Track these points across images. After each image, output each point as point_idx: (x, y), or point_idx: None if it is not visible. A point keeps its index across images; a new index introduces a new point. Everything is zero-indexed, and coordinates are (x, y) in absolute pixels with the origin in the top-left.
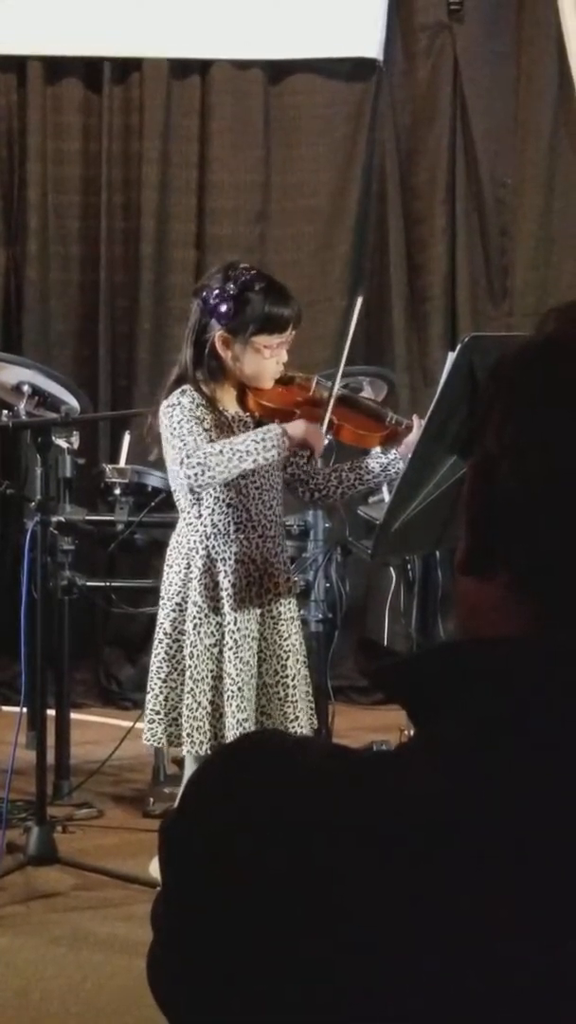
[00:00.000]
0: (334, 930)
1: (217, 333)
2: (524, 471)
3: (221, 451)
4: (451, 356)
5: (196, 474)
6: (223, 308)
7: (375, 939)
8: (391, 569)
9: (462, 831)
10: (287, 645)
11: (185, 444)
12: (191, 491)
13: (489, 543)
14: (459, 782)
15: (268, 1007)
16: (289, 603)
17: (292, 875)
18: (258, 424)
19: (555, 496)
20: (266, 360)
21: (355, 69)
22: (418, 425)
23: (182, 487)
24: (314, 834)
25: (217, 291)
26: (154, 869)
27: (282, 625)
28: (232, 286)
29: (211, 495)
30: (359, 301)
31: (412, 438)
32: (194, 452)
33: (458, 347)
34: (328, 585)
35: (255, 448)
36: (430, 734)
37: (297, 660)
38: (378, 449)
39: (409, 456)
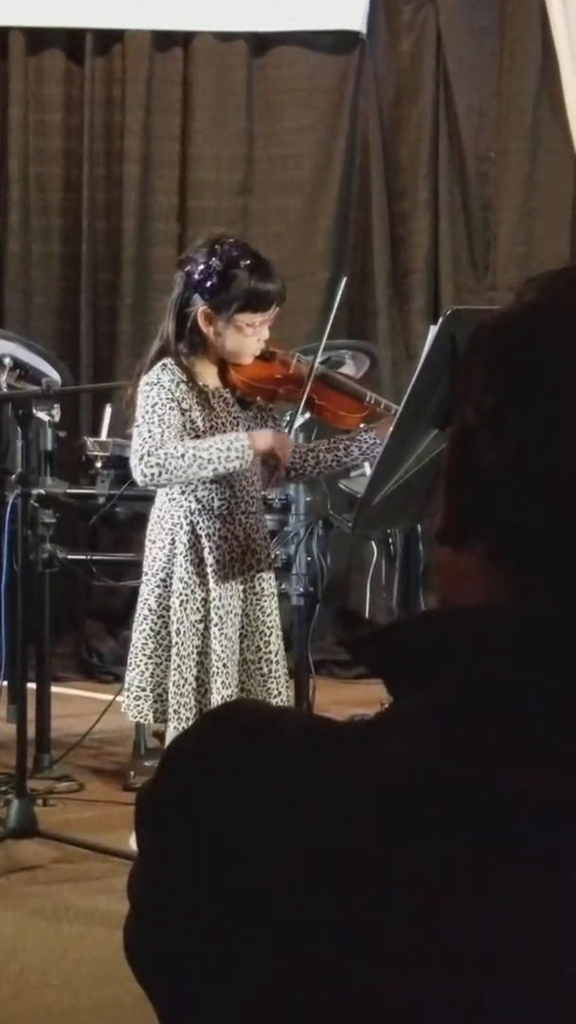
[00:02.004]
0: (309, 898)
1: (200, 308)
2: (502, 441)
3: (183, 455)
4: (433, 330)
5: (153, 474)
6: (207, 284)
7: (351, 908)
8: (373, 543)
9: (438, 800)
10: (269, 621)
11: (152, 436)
12: (143, 487)
13: (467, 513)
14: (436, 751)
15: (244, 976)
16: (270, 579)
17: (267, 844)
18: (239, 400)
19: (533, 466)
20: (247, 338)
21: (338, 41)
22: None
23: (137, 480)
24: (290, 803)
25: (202, 266)
26: (134, 842)
27: (264, 601)
28: (217, 262)
29: None
30: (342, 283)
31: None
32: (156, 450)
33: (440, 321)
34: (309, 559)
35: (218, 457)
36: (407, 704)
37: (277, 636)
38: (363, 426)
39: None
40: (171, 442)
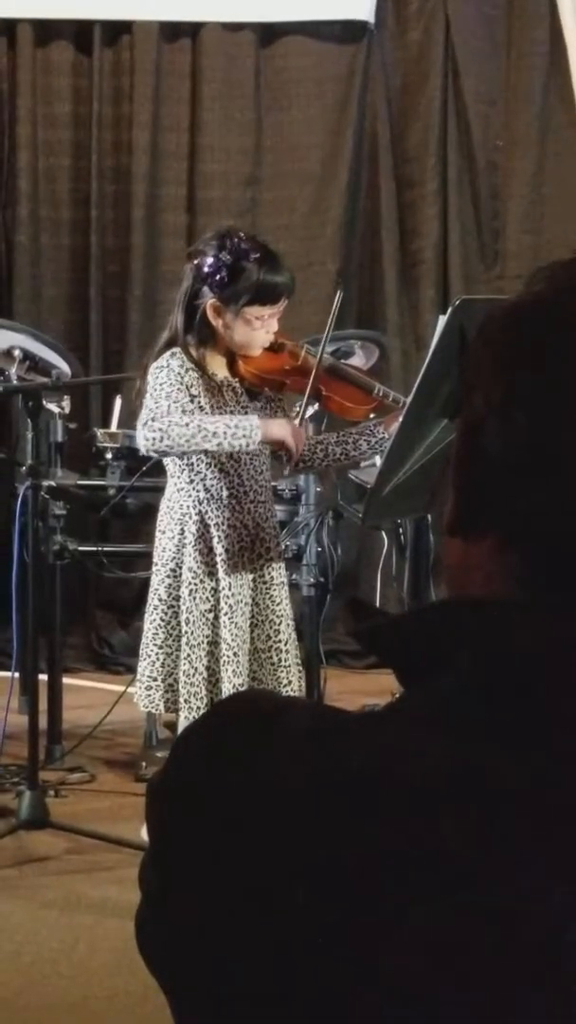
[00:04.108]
0: (318, 887)
1: (209, 301)
2: (511, 431)
3: (187, 424)
4: (442, 319)
5: (155, 439)
6: (216, 277)
7: (360, 896)
8: (383, 533)
9: (449, 790)
10: (279, 610)
11: (157, 406)
12: (146, 453)
13: (476, 504)
14: (448, 742)
15: (255, 964)
16: (279, 568)
17: (276, 834)
18: (248, 391)
19: (541, 456)
20: (256, 331)
21: (346, 31)
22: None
23: (140, 447)
24: (299, 793)
25: (212, 259)
26: (145, 833)
27: (274, 590)
28: (227, 255)
29: (203, 461)
30: (339, 295)
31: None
32: (161, 417)
33: (449, 310)
34: (320, 549)
35: (223, 432)
36: (418, 694)
37: (288, 625)
38: (371, 417)
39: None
40: (176, 414)
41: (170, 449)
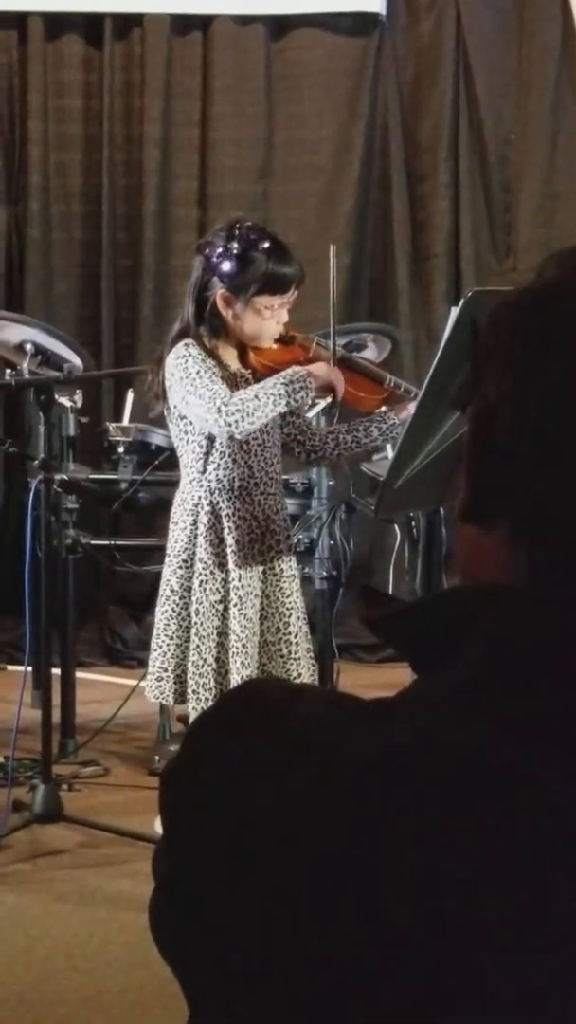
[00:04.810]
0: (333, 873)
1: (219, 292)
2: (523, 418)
3: (256, 396)
4: (454, 312)
5: (236, 420)
6: (225, 267)
7: (376, 881)
8: (395, 526)
9: (461, 778)
10: (289, 603)
11: (215, 393)
12: (231, 438)
13: (488, 491)
14: (457, 728)
15: (269, 952)
16: (290, 560)
17: (290, 821)
18: (259, 381)
19: (554, 443)
20: (266, 321)
21: (357, 24)
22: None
23: (221, 435)
24: (312, 780)
25: (220, 249)
26: (159, 826)
27: (284, 582)
28: (236, 245)
29: (216, 451)
30: (332, 250)
31: (414, 406)
32: (229, 400)
33: (461, 303)
34: (332, 543)
35: (286, 391)
36: (430, 681)
37: (299, 617)
38: (383, 408)
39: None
40: (236, 392)
41: (252, 426)
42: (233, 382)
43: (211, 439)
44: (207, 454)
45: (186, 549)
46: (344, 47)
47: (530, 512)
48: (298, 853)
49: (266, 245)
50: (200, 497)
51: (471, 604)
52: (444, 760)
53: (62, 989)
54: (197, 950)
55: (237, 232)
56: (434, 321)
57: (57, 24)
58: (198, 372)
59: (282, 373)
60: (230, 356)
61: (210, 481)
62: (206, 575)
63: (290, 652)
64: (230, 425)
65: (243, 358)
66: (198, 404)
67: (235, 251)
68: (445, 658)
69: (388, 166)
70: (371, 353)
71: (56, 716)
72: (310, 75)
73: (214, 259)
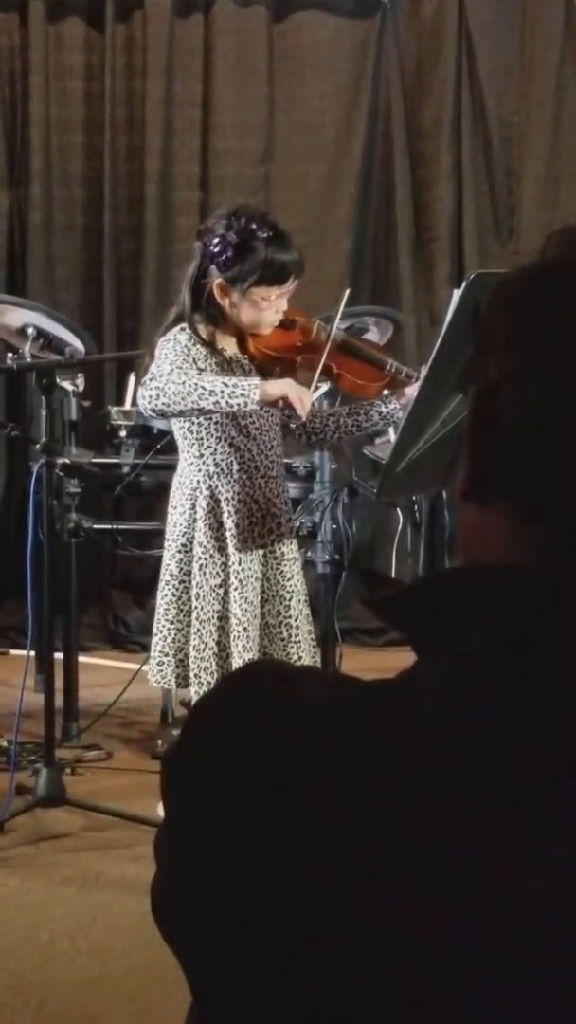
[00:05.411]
0: (334, 853)
1: (216, 281)
2: (525, 396)
3: (184, 383)
4: (456, 294)
5: (152, 396)
6: (223, 256)
7: (366, 869)
8: (398, 510)
9: (464, 758)
10: (290, 586)
11: (159, 369)
12: (144, 413)
13: (490, 471)
14: (461, 709)
15: (270, 934)
16: (291, 544)
17: (291, 801)
18: (258, 368)
19: (557, 422)
20: (263, 311)
21: (360, 6)
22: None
23: (140, 407)
24: (313, 761)
25: (218, 238)
26: (162, 810)
27: (284, 566)
28: (234, 234)
29: (213, 435)
30: (346, 294)
31: (413, 390)
32: (160, 377)
33: (463, 285)
34: (335, 527)
35: (221, 391)
36: (431, 662)
37: (300, 601)
38: (384, 392)
39: (410, 405)
40: (176, 374)
41: (167, 407)
42: (229, 367)
43: (205, 423)
44: (201, 438)
45: (185, 533)
46: (346, 29)
47: (531, 491)
48: (298, 837)
49: (265, 234)
50: (199, 481)
51: (472, 583)
52: (445, 744)
53: (65, 972)
54: (198, 933)
55: (236, 221)
56: (436, 304)
57: (58, 6)
58: (166, 354)
59: (234, 377)
60: (228, 343)
61: (209, 465)
62: (206, 559)
63: (291, 635)
64: (145, 398)
65: (242, 344)
66: (147, 377)
67: (232, 240)
68: (446, 640)
69: (390, 149)
70: (373, 337)
71: (59, 700)
72: (312, 57)
73: (212, 247)
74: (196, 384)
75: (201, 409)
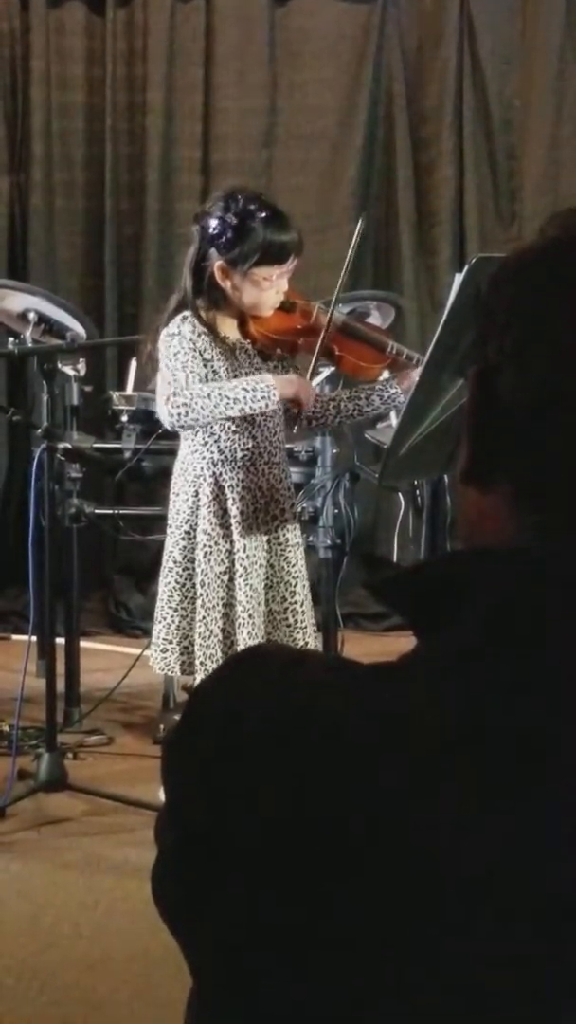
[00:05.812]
0: (327, 842)
1: (216, 263)
2: (525, 378)
3: (209, 395)
4: (458, 278)
5: (180, 414)
6: (222, 238)
7: (368, 852)
8: (400, 495)
9: (463, 740)
10: (294, 572)
11: (176, 380)
12: (171, 429)
13: (490, 453)
14: (460, 691)
15: (269, 916)
16: (294, 530)
17: (292, 784)
18: (259, 352)
19: (557, 404)
20: (265, 292)
21: None
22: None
23: (164, 422)
24: (315, 744)
25: (217, 220)
26: (163, 795)
27: (289, 552)
28: (232, 216)
29: (217, 422)
30: (360, 224)
31: (416, 374)
32: (182, 391)
33: (465, 269)
34: (337, 511)
35: (243, 397)
36: (431, 644)
37: (304, 587)
38: (385, 374)
39: (411, 390)
40: (195, 384)
41: (196, 422)
42: (232, 353)
43: None
44: (204, 426)
45: (188, 520)
46: (348, 13)
47: (531, 473)
48: (299, 820)
49: (263, 215)
50: (202, 468)
51: (472, 566)
52: (444, 726)
53: (67, 957)
54: (199, 918)
55: (233, 203)
56: (438, 288)
57: None
58: (176, 354)
59: (248, 379)
60: (229, 327)
61: (212, 452)
62: (210, 546)
63: (297, 621)
64: (172, 416)
65: (243, 327)
66: (160, 387)
67: (231, 222)
68: (445, 622)
69: (392, 133)
70: (375, 321)
71: (60, 685)
72: (313, 42)
73: (211, 230)
74: (220, 395)
75: (228, 417)
